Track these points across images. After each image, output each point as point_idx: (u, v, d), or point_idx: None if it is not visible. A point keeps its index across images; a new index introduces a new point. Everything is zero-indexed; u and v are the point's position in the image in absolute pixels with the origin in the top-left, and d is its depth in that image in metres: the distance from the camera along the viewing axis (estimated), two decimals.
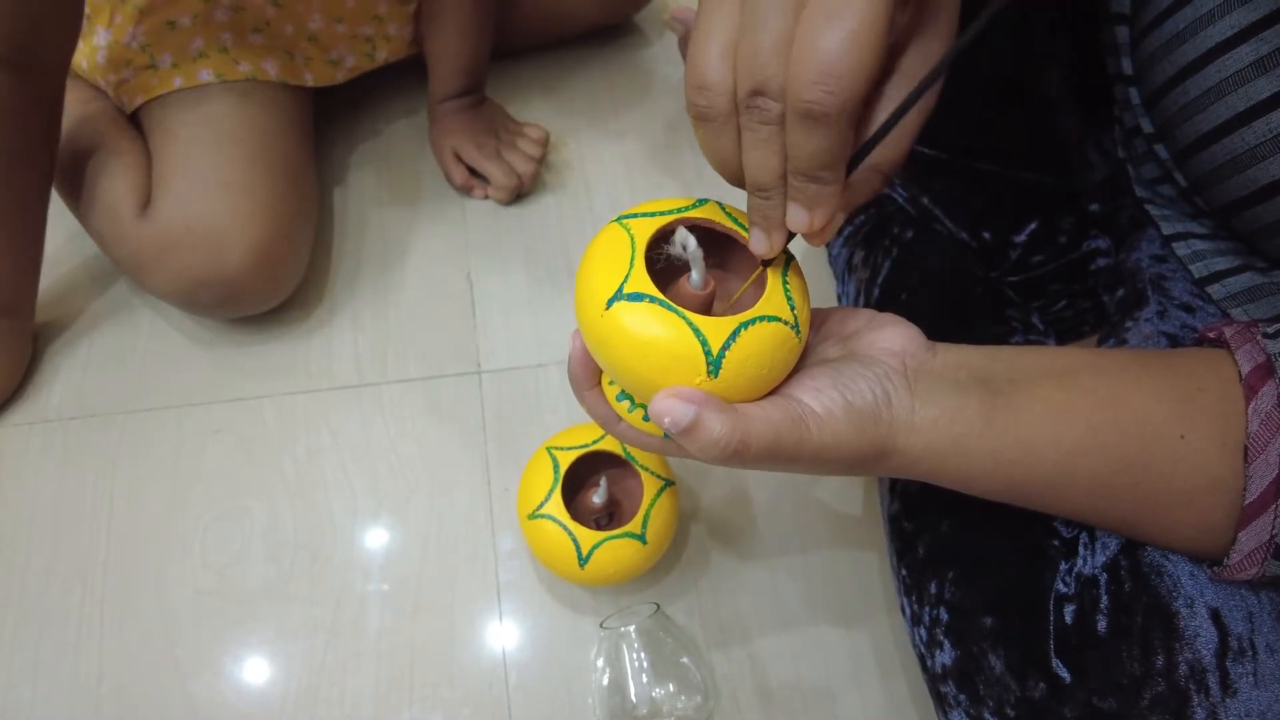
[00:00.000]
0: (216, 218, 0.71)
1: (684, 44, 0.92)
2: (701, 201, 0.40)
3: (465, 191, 0.89)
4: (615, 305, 0.36)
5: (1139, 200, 0.61)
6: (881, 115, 0.35)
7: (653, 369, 0.36)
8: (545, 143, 0.91)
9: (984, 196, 0.69)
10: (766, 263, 0.39)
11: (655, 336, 0.35)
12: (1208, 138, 0.51)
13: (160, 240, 0.71)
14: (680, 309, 0.35)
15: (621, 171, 0.92)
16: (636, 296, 0.35)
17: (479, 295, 0.83)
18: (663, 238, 0.38)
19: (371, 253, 0.85)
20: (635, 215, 0.39)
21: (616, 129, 0.95)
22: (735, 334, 0.35)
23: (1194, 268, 0.56)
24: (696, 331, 0.35)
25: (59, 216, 0.85)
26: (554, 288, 0.83)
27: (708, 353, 0.35)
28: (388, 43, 0.87)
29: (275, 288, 0.76)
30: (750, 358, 0.36)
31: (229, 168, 0.73)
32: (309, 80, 0.81)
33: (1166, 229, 0.59)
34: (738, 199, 0.40)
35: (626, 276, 0.36)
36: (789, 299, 0.38)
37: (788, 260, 0.39)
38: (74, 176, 0.77)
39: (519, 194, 0.89)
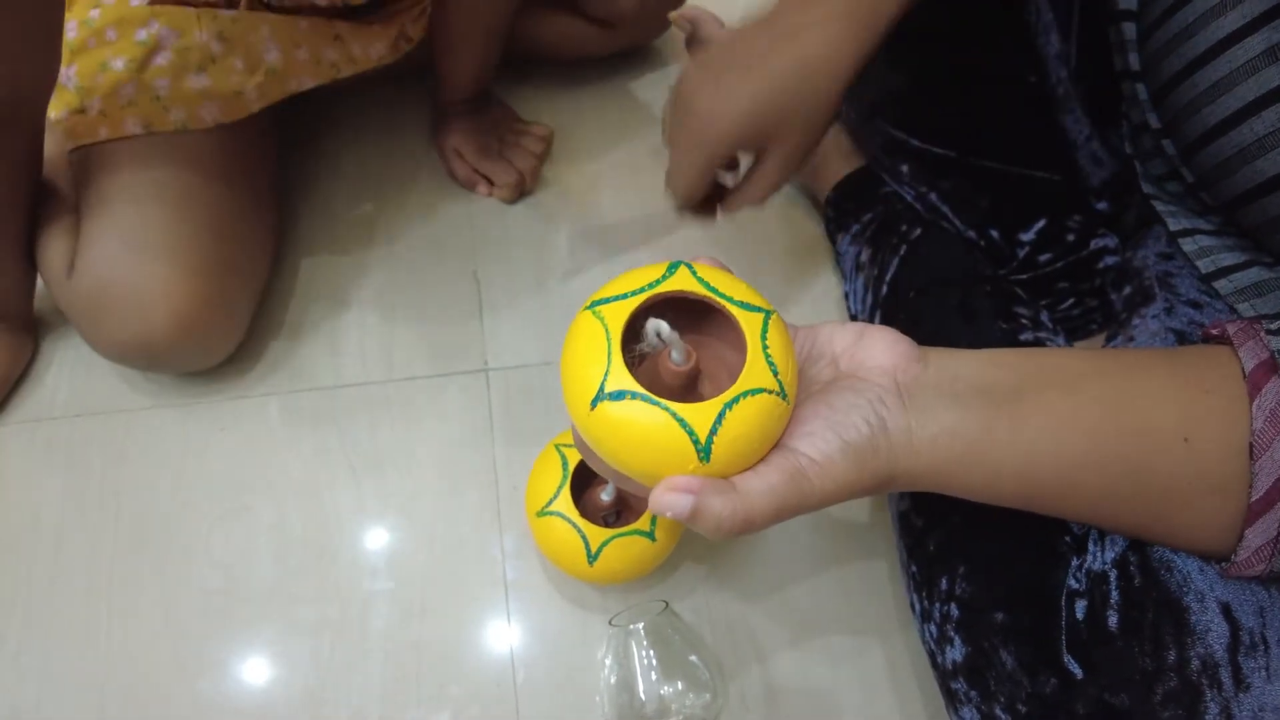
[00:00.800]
0: (136, 282, 0.67)
1: (690, 43, 0.92)
2: (672, 268, 0.40)
3: (469, 186, 0.89)
4: (599, 405, 0.36)
5: (1146, 197, 0.61)
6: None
7: (645, 463, 0.37)
8: (548, 140, 0.90)
9: (992, 195, 0.69)
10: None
11: (642, 433, 0.36)
12: (1216, 130, 0.51)
13: (83, 302, 0.68)
14: (663, 401, 0.36)
15: (627, 172, 0.91)
16: (618, 395, 0.36)
17: (486, 294, 0.83)
18: (637, 319, 0.38)
19: (378, 251, 0.85)
20: (607, 300, 0.39)
21: (624, 129, 0.95)
22: (721, 416, 0.36)
23: (1201, 263, 0.56)
24: (682, 422, 0.35)
25: None
26: (561, 286, 0.83)
27: (695, 441, 0.36)
28: (353, 64, 0.80)
29: (205, 352, 0.73)
30: (739, 437, 0.36)
31: (149, 229, 0.68)
32: (255, 107, 0.74)
33: (1173, 225, 0.59)
34: (714, 251, 0.42)
35: (606, 373, 0.36)
36: (770, 364, 0.37)
37: (766, 318, 0.39)
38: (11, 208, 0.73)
39: (522, 191, 0.89)
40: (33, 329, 0.77)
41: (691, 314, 0.39)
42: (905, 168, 0.73)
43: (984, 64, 0.69)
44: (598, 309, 0.38)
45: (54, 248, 0.71)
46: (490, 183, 0.88)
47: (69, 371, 0.76)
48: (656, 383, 0.39)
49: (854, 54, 0.53)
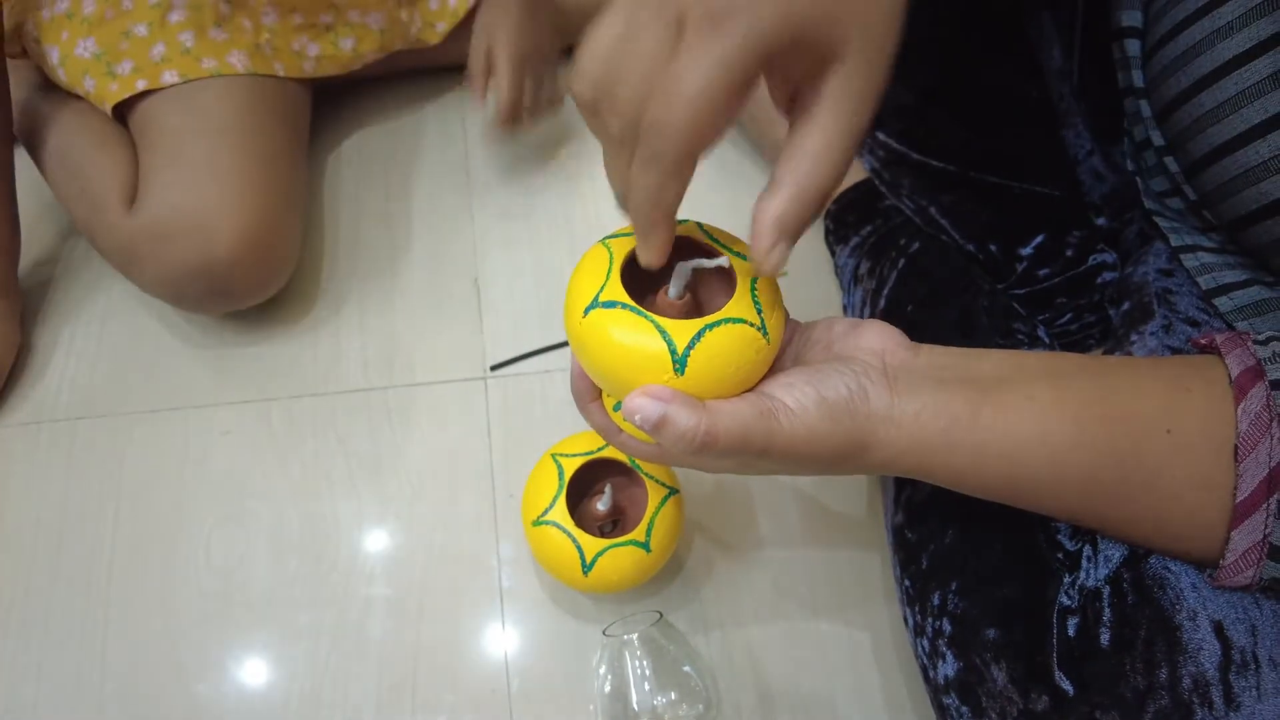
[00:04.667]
0: (203, 206, 0.70)
1: None
2: (682, 221, 0.41)
3: (473, 76, 0.83)
4: (591, 313, 0.39)
5: (1147, 213, 0.61)
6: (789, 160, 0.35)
7: (624, 368, 0.39)
8: (560, 101, 0.88)
9: (992, 209, 0.69)
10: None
11: (624, 337, 0.38)
12: (1220, 150, 0.51)
13: (147, 231, 0.71)
14: (648, 313, 0.38)
15: None
16: (610, 304, 0.39)
17: (485, 300, 0.83)
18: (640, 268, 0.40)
19: (378, 257, 0.85)
20: (617, 235, 0.42)
21: None
22: (700, 334, 0.38)
23: (1201, 280, 0.56)
24: (662, 332, 0.38)
25: (58, 218, 0.86)
26: (560, 294, 0.83)
27: (673, 352, 0.37)
28: (351, 29, 0.85)
29: (266, 278, 0.76)
30: (715, 357, 0.38)
31: (215, 156, 0.73)
32: (279, 71, 0.80)
33: (1175, 241, 0.59)
34: (721, 220, 0.43)
35: (602, 287, 0.39)
36: (756, 303, 0.40)
37: None
38: (62, 171, 0.78)
39: (513, 120, 0.83)
40: (20, 313, 0.79)
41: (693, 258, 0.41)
42: (905, 181, 0.73)
43: (986, 78, 0.69)
44: (607, 241, 0.42)
45: (109, 187, 0.74)
46: (486, 84, 0.82)
47: (70, 374, 0.77)
48: (653, 312, 0.40)
49: None
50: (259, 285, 0.76)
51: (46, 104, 0.81)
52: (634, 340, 0.38)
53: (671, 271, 0.40)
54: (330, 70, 0.85)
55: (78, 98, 0.80)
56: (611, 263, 0.40)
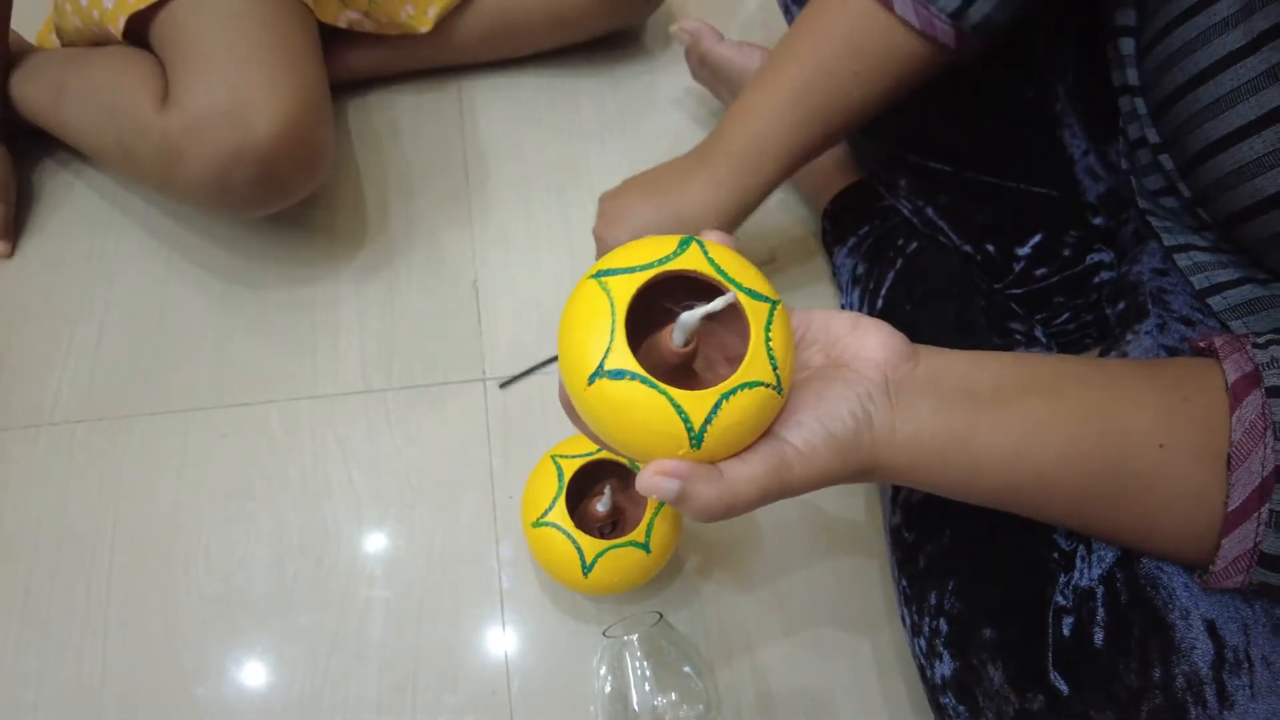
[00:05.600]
0: (240, 90, 0.70)
1: (690, 54, 0.92)
2: (684, 244, 0.38)
3: None
4: (598, 382, 0.36)
5: (1141, 212, 0.61)
6: None
7: (637, 443, 0.37)
8: None
9: (988, 210, 0.69)
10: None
11: (638, 415, 0.36)
12: (1216, 146, 0.51)
13: (185, 123, 0.70)
14: (661, 386, 0.35)
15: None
16: (618, 374, 0.35)
17: (485, 303, 0.83)
18: (643, 295, 0.37)
19: (378, 259, 0.86)
20: (614, 272, 0.37)
21: (622, 138, 0.96)
22: (717, 406, 0.36)
23: (1195, 279, 0.56)
24: (678, 409, 0.35)
25: (66, 223, 0.86)
26: (559, 296, 0.83)
27: (690, 428, 0.36)
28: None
29: (309, 163, 0.75)
30: (732, 427, 0.36)
31: (247, 44, 0.72)
32: None
33: (1168, 240, 0.59)
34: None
35: (608, 350, 0.36)
36: (771, 358, 0.37)
37: (772, 309, 0.38)
38: (89, 105, 0.79)
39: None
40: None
41: (695, 290, 0.39)
42: (902, 181, 0.73)
43: (981, 79, 0.69)
44: (604, 279, 0.37)
45: (139, 93, 0.74)
46: None
47: (70, 377, 0.77)
48: (653, 355, 0.38)
49: (724, 211, 0.66)
50: (304, 172, 0.75)
51: (61, 64, 0.83)
52: (647, 418, 0.36)
53: (668, 300, 0.38)
54: (322, 15, 0.85)
55: (99, 52, 0.81)
56: (614, 315, 0.36)
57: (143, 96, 0.74)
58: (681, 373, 0.39)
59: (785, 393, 0.38)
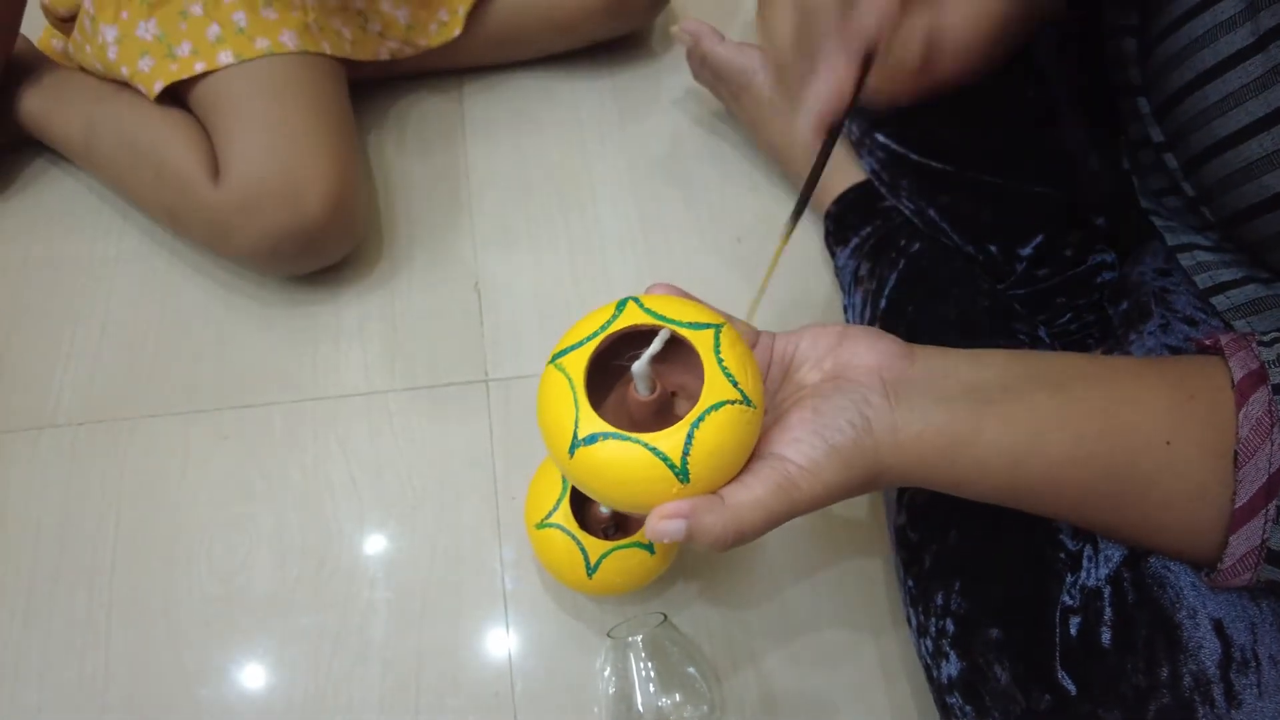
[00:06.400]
0: (292, 169, 0.73)
1: (692, 55, 0.92)
2: (620, 306, 0.41)
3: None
4: (577, 452, 0.38)
5: (1144, 212, 0.61)
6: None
7: (631, 495, 0.38)
8: None
9: (991, 210, 0.69)
10: None
11: (620, 469, 0.37)
12: (1223, 144, 0.51)
13: (239, 201, 0.73)
14: (631, 435, 0.37)
15: (627, 182, 0.92)
16: (591, 439, 0.38)
17: (487, 304, 0.83)
18: (597, 361, 0.40)
19: (380, 260, 0.85)
20: (565, 352, 0.41)
21: (623, 140, 0.96)
22: (690, 437, 0.37)
23: (1198, 279, 0.56)
24: (654, 450, 0.37)
25: (67, 224, 0.86)
26: (562, 297, 0.83)
27: (671, 465, 0.37)
28: (380, 18, 0.87)
29: (351, 231, 0.79)
30: (712, 452, 0.37)
31: (294, 119, 0.75)
32: (326, 49, 0.81)
33: (1171, 240, 0.59)
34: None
35: (576, 421, 0.38)
36: (728, 376, 0.38)
37: (716, 332, 0.40)
38: (131, 158, 0.79)
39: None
40: None
41: (645, 343, 0.40)
42: (904, 182, 0.73)
43: (983, 78, 0.69)
44: (559, 361, 0.41)
45: (192, 164, 0.76)
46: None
47: (72, 379, 0.77)
48: (630, 412, 0.41)
49: None
50: (345, 240, 0.79)
51: (97, 99, 0.83)
52: (629, 468, 0.37)
53: (624, 360, 0.40)
54: (363, 55, 0.87)
55: (120, 90, 0.81)
56: (574, 389, 0.39)
57: (195, 166, 0.76)
58: (666, 421, 0.40)
59: (757, 404, 0.39)
